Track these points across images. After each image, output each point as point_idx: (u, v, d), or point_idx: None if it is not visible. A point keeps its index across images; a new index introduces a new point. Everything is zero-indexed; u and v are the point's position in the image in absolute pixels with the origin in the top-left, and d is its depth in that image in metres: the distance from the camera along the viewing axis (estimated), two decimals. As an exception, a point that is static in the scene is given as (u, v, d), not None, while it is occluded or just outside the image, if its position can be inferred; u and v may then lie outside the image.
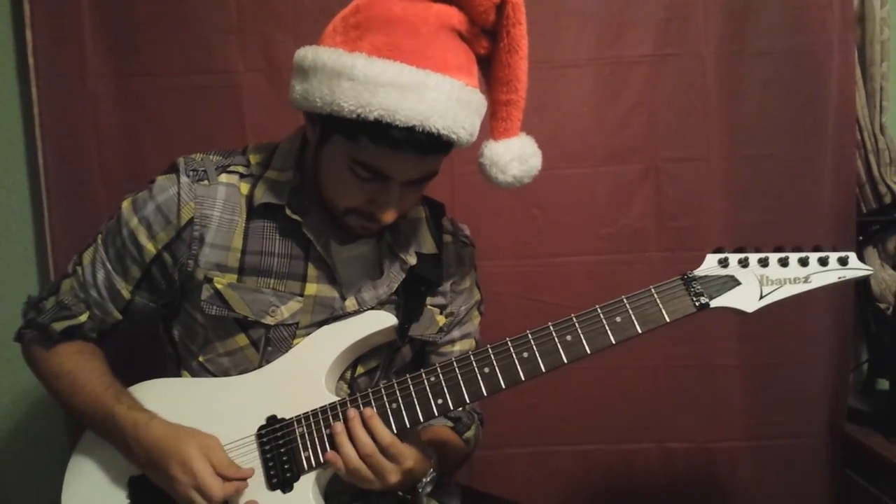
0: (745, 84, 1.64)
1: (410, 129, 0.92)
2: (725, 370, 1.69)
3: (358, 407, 1.04)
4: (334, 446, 1.02)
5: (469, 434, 1.26)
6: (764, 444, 1.70)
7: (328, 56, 0.95)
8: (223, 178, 1.10)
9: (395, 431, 1.02)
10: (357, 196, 1.04)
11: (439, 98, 0.93)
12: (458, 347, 1.26)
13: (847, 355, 1.71)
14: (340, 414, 1.05)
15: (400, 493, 1.11)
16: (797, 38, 1.62)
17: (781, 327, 1.63)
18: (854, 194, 1.69)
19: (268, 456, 1.06)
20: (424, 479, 1.08)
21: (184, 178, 1.08)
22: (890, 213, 1.71)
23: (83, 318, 1.14)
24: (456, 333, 1.27)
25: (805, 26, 1.61)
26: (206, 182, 1.09)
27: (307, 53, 0.98)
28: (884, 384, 1.77)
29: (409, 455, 1.02)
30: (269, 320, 1.10)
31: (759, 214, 1.66)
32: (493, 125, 1.07)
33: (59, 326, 1.13)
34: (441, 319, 1.23)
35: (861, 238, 1.73)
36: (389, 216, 1.05)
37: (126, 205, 1.12)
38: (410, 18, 0.95)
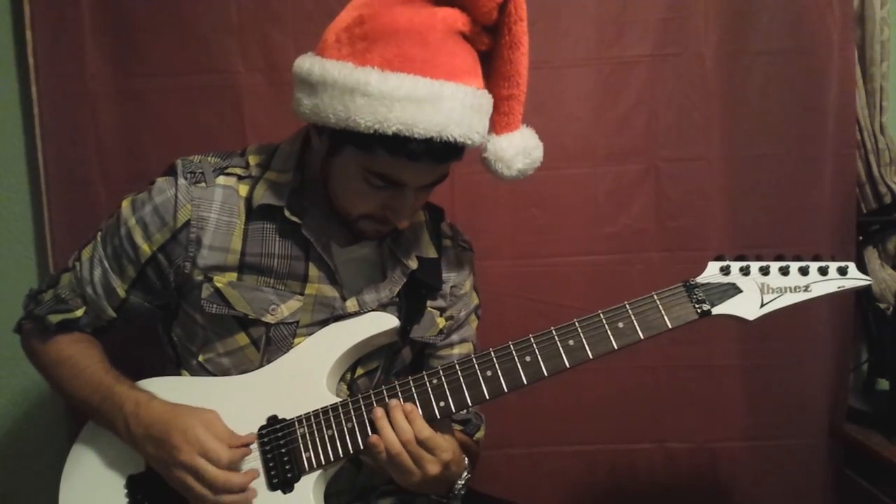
0: (746, 84, 1.64)
1: (428, 141, 0.93)
2: (726, 370, 1.69)
3: (360, 409, 1.05)
4: (376, 431, 1.01)
5: (479, 435, 1.27)
6: (764, 445, 1.70)
7: (338, 71, 0.94)
8: (221, 179, 1.10)
9: None
10: (371, 203, 1.04)
11: (455, 107, 0.94)
12: (456, 351, 1.26)
13: (847, 355, 1.71)
14: (342, 416, 1.05)
15: (434, 497, 1.10)
16: (797, 38, 1.62)
17: (781, 328, 1.63)
18: (854, 194, 1.69)
19: (268, 456, 1.06)
20: (460, 482, 1.08)
21: (181, 181, 1.08)
22: (890, 213, 1.71)
23: (79, 312, 1.14)
24: (455, 337, 1.27)
25: (805, 26, 1.61)
26: (203, 184, 1.09)
27: (313, 67, 0.97)
28: (884, 384, 1.77)
29: (448, 448, 1.02)
30: (269, 318, 1.10)
31: (759, 214, 1.67)
32: (495, 120, 1.07)
33: (54, 319, 1.14)
34: (441, 322, 1.23)
35: (861, 238, 1.73)
36: (405, 221, 1.07)
37: (125, 204, 1.12)
38: (417, 27, 0.94)
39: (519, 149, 1.07)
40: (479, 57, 1.03)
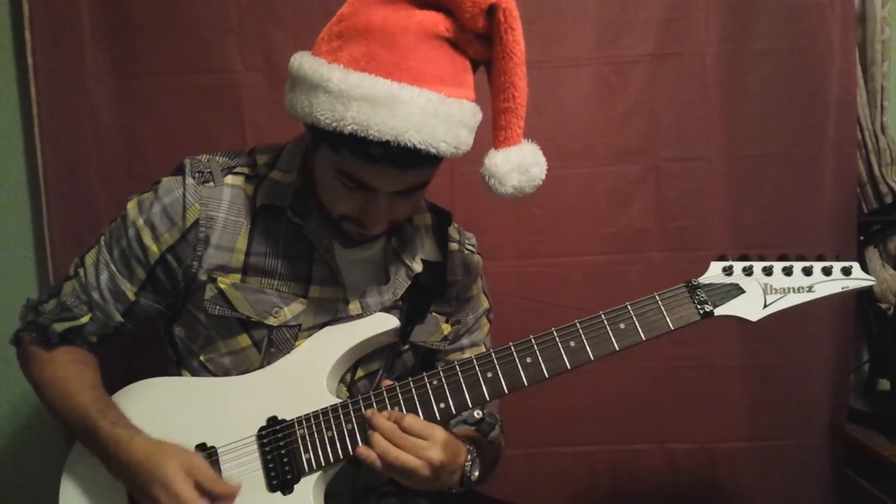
0: (746, 84, 1.64)
1: (386, 144, 0.91)
2: (726, 371, 1.69)
3: (360, 410, 1.04)
4: (368, 443, 1.00)
5: (494, 434, 1.25)
6: (765, 445, 1.70)
7: (309, 66, 0.94)
8: (229, 179, 1.10)
9: None
10: (347, 204, 1.03)
11: (414, 112, 0.90)
12: (467, 355, 1.24)
13: (848, 355, 1.70)
14: (342, 417, 1.05)
15: (453, 491, 1.07)
16: (798, 37, 1.61)
17: (782, 328, 1.62)
18: (855, 194, 1.68)
19: (268, 457, 1.06)
20: (468, 464, 1.05)
21: (189, 180, 1.08)
22: (891, 212, 1.71)
23: (85, 319, 1.12)
24: (465, 342, 1.27)
25: (806, 26, 1.61)
26: (211, 184, 1.09)
27: (294, 61, 0.98)
28: (885, 384, 1.76)
29: (434, 433, 0.99)
30: (272, 321, 1.10)
31: (759, 214, 1.66)
32: (493, 134, 1.03)
33: (59, 327, 1.12)
34: (446, 328, 1.23)
35: (862, 238, 1.73)
36: (378, 227, 1.04)
37: (132, 206, 1.11)
38: (390, 28, 0.92)
39: (514, 165, 0.99)
40: (473, 66, 1.00)
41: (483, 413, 1.23)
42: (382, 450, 0.98)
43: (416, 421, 0.99)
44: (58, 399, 1.10)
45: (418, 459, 0.97)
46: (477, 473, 1.07)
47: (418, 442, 0.98)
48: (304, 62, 0.96)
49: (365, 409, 1.04)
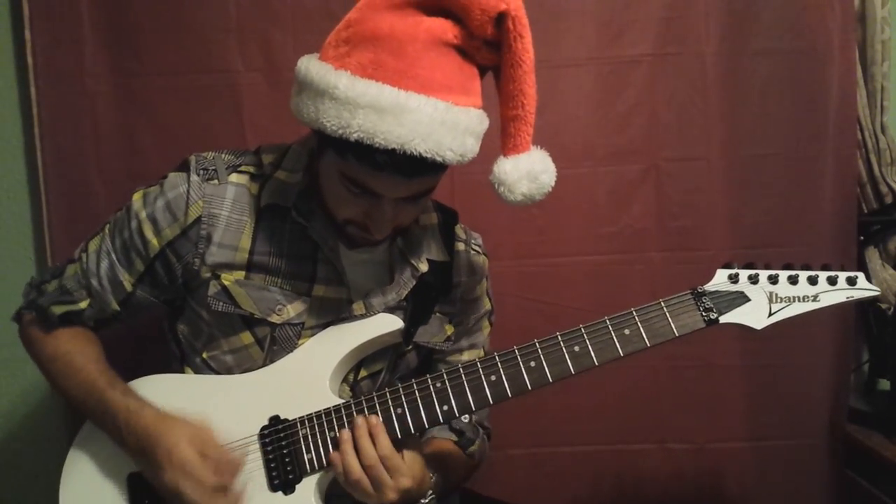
0: (746, 83, 1.64)
1: (392, 152, 0.90)
2: (726, 370, 1.69)
3: (363, 411, 1.04)
4: (339, 451, 1.02)
5: (473, 448, 1.25)
6: (765, 445, 1.70)
7: (316, 72, 0.94)
8: (233, 177, 1.10)
9: (399, 436, 1.03)
10: (351, 209, 1.03)
11: (420, 121, 0.90)
12: (465, 357, 1.26)
13: (848, 355, 1.70)
14: (345, 417, 1.05)
15: None
16: (798, 37, 1.62)
17: (782, 327, 1.61)
18: (855, 194, 1.69)
19: (270, 457, 1.06)
20: (423, 501, 1.07)
21: (194, 177, 1.08)
22: (891, 212, 1.71)
23: (83, 304, 1.13)
24: (464, 343, 1.27)
25: (806, 26, 1.61)
26: (215, 181, 1.09)
27: (301, 65, 0.98)
28: (885, 384, 1.77)
29: (408, 474, 1.01)
30: (275, 319, 1.10)
31: (759, 214, 1.66)
32: (502, 141, 1.01)
33: (58, 310, 1.13)
34: (449, 329, 1.22)
35: (862, 238, 1.73)
36: (383, 233, 1.05)
37: (137, 197, 1.12)
38: (398, 35, 0.91)
39: (523, 173, 0.99)
40: (481, 72, 1.00)
41: (466, 425, 1.24)
42: (350, 469, 1.00)
43: (393, 457, 1.00)
44: (62, 374, 1.11)
45: (375, 493, 1.00)
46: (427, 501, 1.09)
47: (385, 478, 1.00)
48: (311, 67, 0.95)
49: (368, 410, 1.04)
